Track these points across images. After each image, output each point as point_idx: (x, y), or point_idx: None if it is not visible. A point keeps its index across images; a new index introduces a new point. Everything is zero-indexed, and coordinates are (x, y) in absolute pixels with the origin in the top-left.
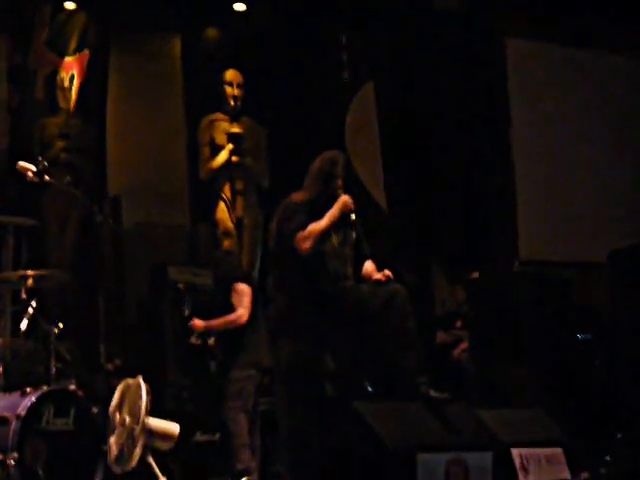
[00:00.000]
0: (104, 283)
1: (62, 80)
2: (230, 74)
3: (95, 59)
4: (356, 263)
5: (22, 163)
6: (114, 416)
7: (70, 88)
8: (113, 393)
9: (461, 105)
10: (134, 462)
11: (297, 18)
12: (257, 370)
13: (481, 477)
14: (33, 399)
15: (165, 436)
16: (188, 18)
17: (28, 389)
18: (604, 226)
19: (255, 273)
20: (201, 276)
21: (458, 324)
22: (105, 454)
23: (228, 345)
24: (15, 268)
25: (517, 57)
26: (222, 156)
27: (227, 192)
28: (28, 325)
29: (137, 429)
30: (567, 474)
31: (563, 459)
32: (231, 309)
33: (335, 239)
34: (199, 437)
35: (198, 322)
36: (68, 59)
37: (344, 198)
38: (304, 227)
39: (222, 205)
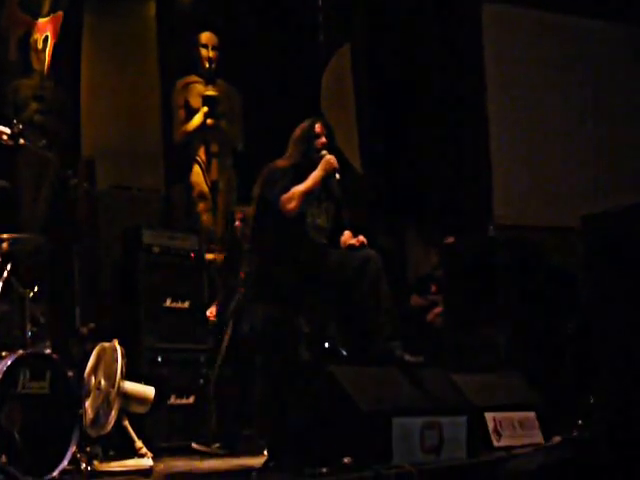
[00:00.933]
0: (78, 246)
1: (36, 42)
2: (205, 36)
3: (69, 21)
4: (335, 232)
5: None
6: (89, 380)
7: (44, 50)
8: (88, 357)
9: (436, 71)
10: (110, 426)
11: None
12: None
13: (455, 441)
14: (9, 363)
15: (140, 400)
16: None
17: (4, 353)
18: (576, 191)
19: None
20: (176, 239)
21: (433, 288)
22: (81, 418)
23: None
24: None
25: (493, 22)
26: (197, 119)
27: (202, 155)
28: (2, 288)
29: (112, 393)
30: (540, 438)
31: (536, 423)
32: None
33: (316, 211)
34: (174, 400)
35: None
36: (42, 21)
37: (327, 157)
38: (288, 190)
39: (197, 168)
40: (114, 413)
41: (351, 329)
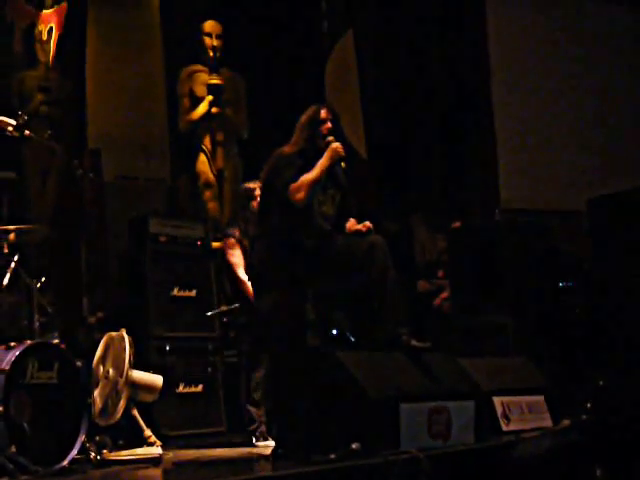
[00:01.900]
0: (85, 237)
1: (40, 33)
2: (209, 25)
3: (73, 11)
4: (342, 218)
5: (1, 117)
6: (98, 369)
7: (49, 41)
8: (96, 346)
9: (440, 54)
10: (118, 415)
11: None
12: None
13: (463, 426)
14: (17, 353)
15: (149, 388)
16: None
17: (12, 343)
18: (583, 175)
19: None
20: (182, 228)
21: (439, 273)
22: (89, 407)
23: None
24: None
25: (498, 2)
26: (202, 107)
27: (207, 144)
28: (10, 279)
29: (121, 382)
30: (549, 421)
31: (545, 407)
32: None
33: (321, 198)
34: (182, 389)
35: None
36: (46, 12)
37: (334, 145)
38: (296, 179)
39: (202, 157)
40: (123, 402)
41: (358, 315)
